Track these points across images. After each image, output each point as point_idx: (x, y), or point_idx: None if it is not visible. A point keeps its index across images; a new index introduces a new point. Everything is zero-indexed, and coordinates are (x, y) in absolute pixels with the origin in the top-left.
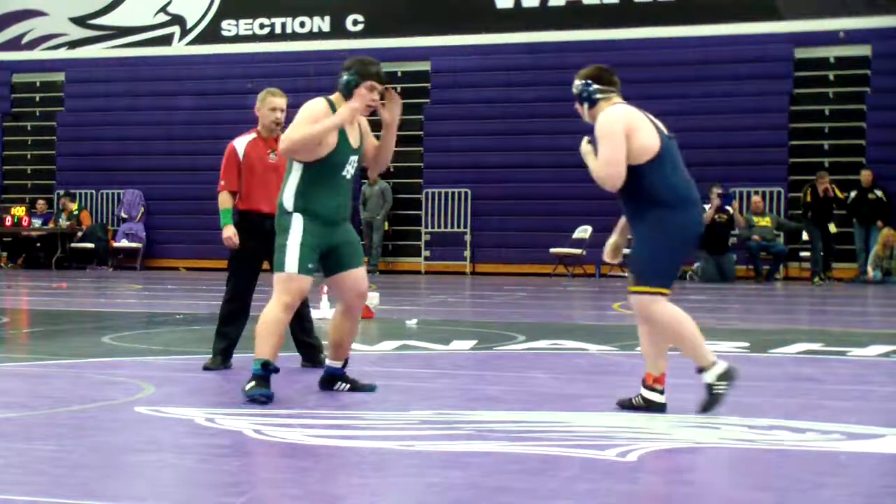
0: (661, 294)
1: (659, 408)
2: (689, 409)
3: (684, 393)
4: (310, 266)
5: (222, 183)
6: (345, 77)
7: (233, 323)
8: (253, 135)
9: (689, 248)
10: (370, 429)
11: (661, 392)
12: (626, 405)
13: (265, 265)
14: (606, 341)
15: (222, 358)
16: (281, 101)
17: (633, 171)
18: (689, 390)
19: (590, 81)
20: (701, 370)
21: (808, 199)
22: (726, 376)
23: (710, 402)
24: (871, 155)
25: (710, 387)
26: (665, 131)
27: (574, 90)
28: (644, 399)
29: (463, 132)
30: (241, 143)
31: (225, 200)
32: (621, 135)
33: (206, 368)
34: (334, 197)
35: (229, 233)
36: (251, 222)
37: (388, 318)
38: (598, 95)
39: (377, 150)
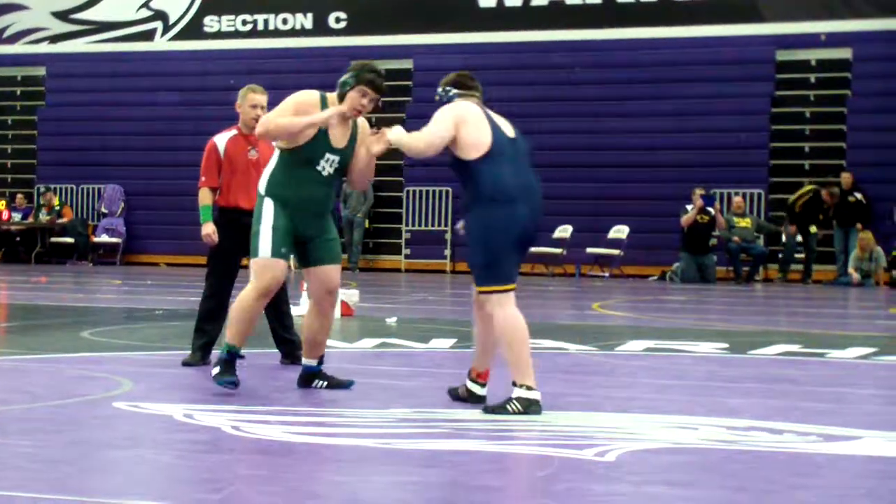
0: (507, 291)
1: (479, 399)
2: (668, 409)
3: (665, 394)
4: (283, 250)
5: (203, 179)
6: (342, 77)
7: (212, 320)
8: (234, 131)
9: (519, 243)
10: (349, 426)
11: (483, 385)
12: (453, 394)
13: (243, 261)
14: (586, 341)
15: (202, 354)
16: (262, 98)
17: (465, 166)
18: (671, 391)
19: (449, 88)
20: (514, 383)
21: (799, 202)
22: (528, 406)
23: (496, 409)
24: (851, 157)
25: (510, 399)
26: (509, 133)
27: (436, 98)
28: (468, 390)
29: None
30: (221, 140)
31: (205, 197)
32: (449, 121)
33: (185, 364)
34: (306, 188)
35: (208, 230)
36: (230, 219)
37: (368, 316)
38: (457, 100)
39: (352, 164)
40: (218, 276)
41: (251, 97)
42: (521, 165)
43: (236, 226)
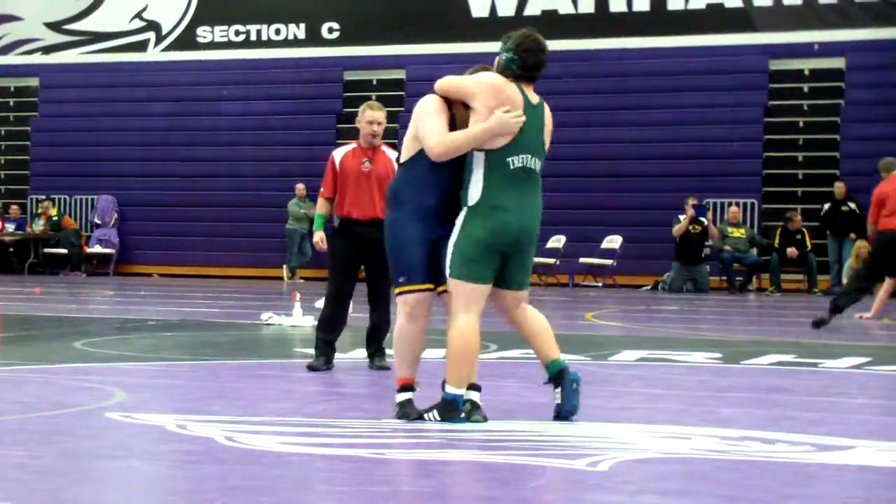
0: None
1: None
2: (661, 419)
3: (657, 403)
4: None
5: (321, 190)
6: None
7: (329, 328)
8: (354, 145)
9: None
10: (342, 437)
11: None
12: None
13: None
14: (578, 351)
15: (325, 359)
16: (379, 115)
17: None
18: (664, 401)
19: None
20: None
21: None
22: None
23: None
24: (844, 167)
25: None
26: None
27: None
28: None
29: None
30: (339, 153)
31: (320, 206)
32: None
33: (310, 368)
34: None
35: (317, 237)
36: (344, 228)
37: (363, 326)
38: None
39: None
40: (333, 282)
41: (368, 114)
42: None
43: (350, 235)
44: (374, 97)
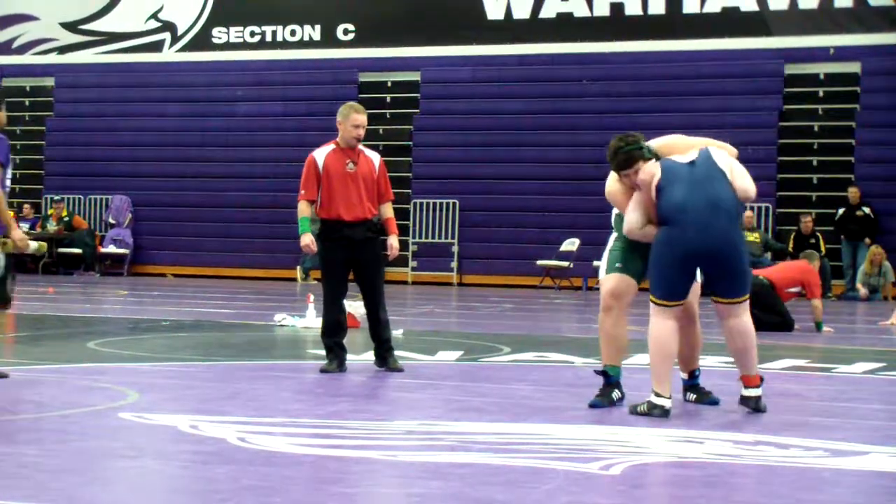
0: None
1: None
2: (674, 423)
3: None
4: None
5: (302, 192)
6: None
7: (334, 331)
8: (332, 146)
9: (682, 261)
10: (354, 438)
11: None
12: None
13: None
14: (592, 354)
15: (338, 362)
16: (364, 118)
17: None
18: (677, 404)
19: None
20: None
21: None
22: (653, 409)
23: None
24: (859, 172)
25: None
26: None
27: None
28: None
29: (452, 143)
30: (320, 155)
31: (303, 209)
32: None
33: (323, 372)
34: None
35: (307, 240)
36: (333, 230)
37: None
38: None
39: None
40: (327, 286)
41: (354, 117)
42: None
43: (340, 238)
44: (388, 99)
